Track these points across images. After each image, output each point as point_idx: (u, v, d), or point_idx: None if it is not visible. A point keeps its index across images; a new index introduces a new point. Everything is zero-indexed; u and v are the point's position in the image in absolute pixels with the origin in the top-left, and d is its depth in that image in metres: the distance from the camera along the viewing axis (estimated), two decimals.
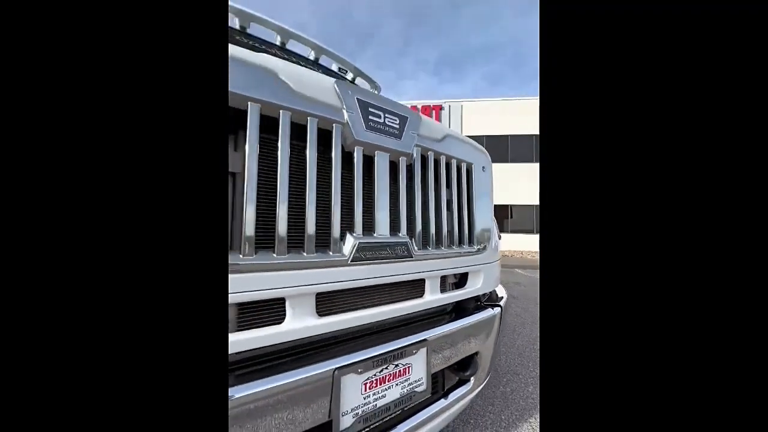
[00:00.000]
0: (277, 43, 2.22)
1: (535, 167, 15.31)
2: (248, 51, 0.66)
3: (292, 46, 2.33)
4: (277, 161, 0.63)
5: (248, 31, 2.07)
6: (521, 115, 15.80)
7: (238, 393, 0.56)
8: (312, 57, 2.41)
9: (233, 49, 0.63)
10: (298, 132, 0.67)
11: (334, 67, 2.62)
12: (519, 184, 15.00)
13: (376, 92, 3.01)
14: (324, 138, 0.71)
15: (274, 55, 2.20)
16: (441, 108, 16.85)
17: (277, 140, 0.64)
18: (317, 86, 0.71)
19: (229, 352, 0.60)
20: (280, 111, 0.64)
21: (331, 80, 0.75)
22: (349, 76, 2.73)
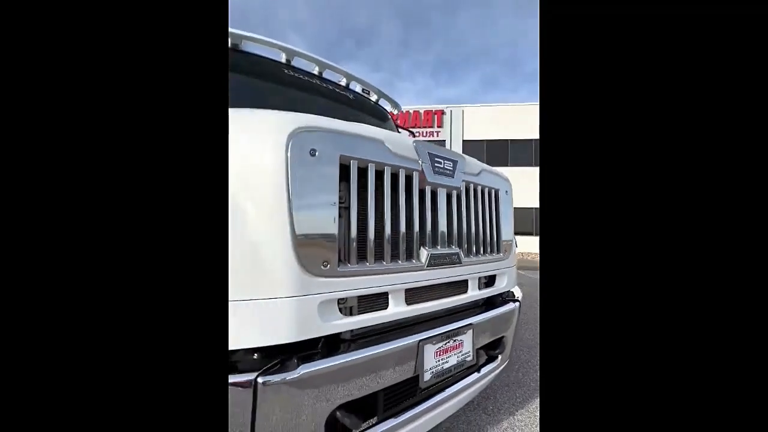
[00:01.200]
0: (315, 72, 2.54)
1: (535, 171, 15.59)
2: (368, 127, 0.98)
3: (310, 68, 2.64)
4: (383, 199, 0.95)
5: (292, 63, 2.38)
6: (521, 120, 16.15)
7: (364, 353, 0.87)
8: (343, 83, 2.73)
9: (361, 128, 0.95)
10: (393, 178, 0.98)
11: (358, 88, 2.93)
12: (519, 187, 15.17)
13: (398, 111, 3.35)
14: (408, 180, 1.03)
15: (311, 84, 2.50)
16: (443, 113, 17.18)
17: (382, 185, 0.95)
18: (404, 146, 1.03)
19: (355, 328, 0.91)
20: (385, 167, 0.96)
21: (411, 141, 1.07)
22: (373, 97, 3.05)
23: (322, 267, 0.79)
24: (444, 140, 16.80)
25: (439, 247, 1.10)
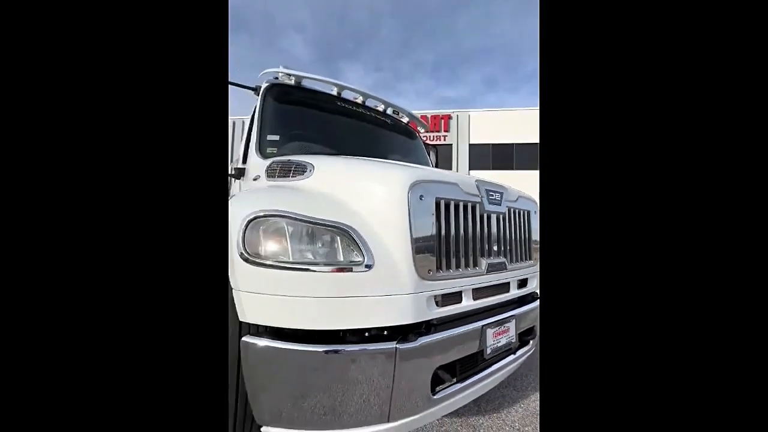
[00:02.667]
0: (359, 101, 2.93)
1: None
2: (450, 174, 1.38)
3: (347, 94, 3.05)
4: (459, 225, 1.34)
5: (341, 94, 2.77)
6: (526, 124, 16.50)
7: (451, 332, 1.26)
8: (381, 109, 3.12)
9: (446, 176, 1.34)
10: (464, 209, 1.38)
11: (389, 111, 3.31)
12: (526, 190, 15.64)
13: (424, 130, 3.73)
14: (472, 209, 1.42)
15: (357, 112, 2.89)
16: (449, 117, 17.58)
17: (459, 215, 1.34)
18: (469, 186, 1.42)
19: (439, 316, 1.30)
20: (460, 202, 1.35)
21: (473, 180, 1.46)
22: (405, 119, 3.45)
23: (428, 273, 1.19)
24: (451, 144, 17.21)
25: (492, 258, 1.49)
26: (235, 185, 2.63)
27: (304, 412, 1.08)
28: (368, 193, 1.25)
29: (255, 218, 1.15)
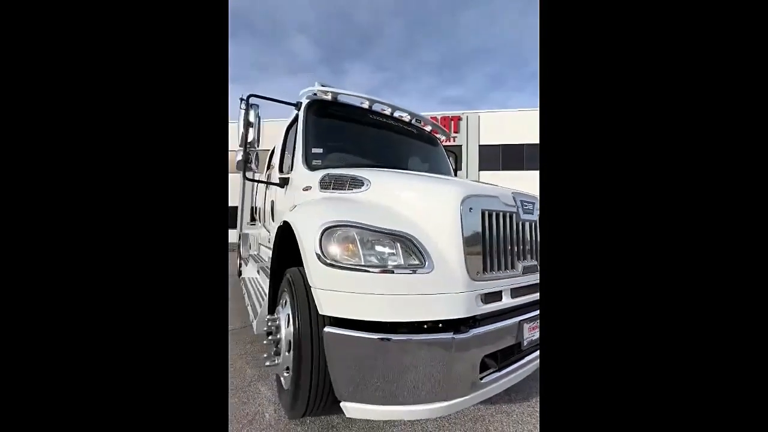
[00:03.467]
0: (388, 113, 3.14)
1: None
2: (492, 188, 1.58)
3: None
4: (500, 233, 1.53)
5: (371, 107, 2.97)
6: (535, 124, 16.50)
7: (495, 326, 1.45)
8: (407, 119, 3.32)
9: (489, 190, 1.54)
10: (504, 218, 1.57)
11: (414, 121, 3.50)
12: (535, 191, 15.67)
13: (445, 137, 3.93)
14: (510, 218, 1.61)
15: (387, 124, 3.09)
16: (459, 119, 17.69)
17: (499, 224, 1.53)
18: (508, 197, 1.61)
19: (483, 312, 1.49)
20: (500, 213, 1.54)
21: (510, 192, 1.65)
22: (428, 127, 3.64)
23: (476, 274, 1.39)
24: (461, 145, 17.33)
25: (527, 261, 1.68)
26: (279, 191, 2.85)
27: (373, 389, 1.28)
28: (425, 206, 1.45)
29: (329, 227, 1.37)
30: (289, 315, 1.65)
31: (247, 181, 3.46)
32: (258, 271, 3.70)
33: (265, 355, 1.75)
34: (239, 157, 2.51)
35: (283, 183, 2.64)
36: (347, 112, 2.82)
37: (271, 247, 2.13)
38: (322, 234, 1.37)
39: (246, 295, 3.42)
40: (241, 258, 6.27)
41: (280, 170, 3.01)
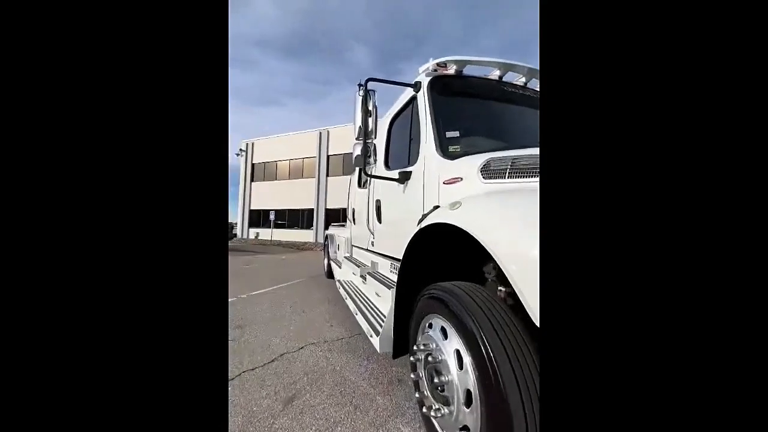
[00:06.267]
0: (521, 84, 2.51)
1: None
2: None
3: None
4: None
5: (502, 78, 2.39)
6: None
7: None
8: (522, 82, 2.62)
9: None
10: None
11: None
12: None
13: None
14: None
15: (523, 94, 2.43)
16: None
17: None
18: None
19: None
20: None
21: None
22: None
23: None
24: None
25: None
26: (385, 189, 2.49)
27: None
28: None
29: None
30: (458, 351, 1.20)
31: (366, 179, 3.17)
32: (361, 277, 3.36)
33: (410, 383, 1.32)
34: (357, 151, 2.19)
35: (404, 178, 2.24)
36: (476, 87, 2.30)
37: (391, 254, 1.73)
38: None
39: (349, 300, 3.15)
40: (330, 259, 6.27)
41: (386, 167, 2.65)
